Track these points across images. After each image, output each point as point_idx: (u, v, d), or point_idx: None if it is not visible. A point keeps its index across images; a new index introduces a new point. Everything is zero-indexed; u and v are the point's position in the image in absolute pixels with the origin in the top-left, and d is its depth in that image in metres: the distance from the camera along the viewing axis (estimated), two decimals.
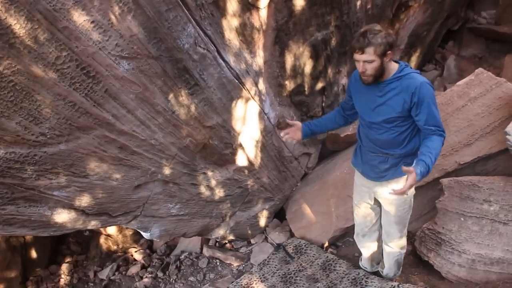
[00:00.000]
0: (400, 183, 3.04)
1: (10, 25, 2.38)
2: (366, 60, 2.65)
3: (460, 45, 7.41)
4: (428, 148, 2.69)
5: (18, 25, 2.41)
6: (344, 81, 5.10)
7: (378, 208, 3.47)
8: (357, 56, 2.68)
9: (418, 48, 6.43)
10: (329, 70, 4.78)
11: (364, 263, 4.00)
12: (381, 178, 3.14)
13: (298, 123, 3.39)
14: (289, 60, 4.25)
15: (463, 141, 4.29)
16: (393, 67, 2.81)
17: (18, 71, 2.54)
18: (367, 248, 3.79)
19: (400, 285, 3.68)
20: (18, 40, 2.45)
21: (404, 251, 3.60)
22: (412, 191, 3.19)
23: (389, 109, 2.82)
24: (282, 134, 3.42)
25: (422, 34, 6.17)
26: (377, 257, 3.88)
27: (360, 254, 4.02)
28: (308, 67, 4.48)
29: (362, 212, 3.52)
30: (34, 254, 6.25)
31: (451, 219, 3.94)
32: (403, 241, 3.51)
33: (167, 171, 3.76)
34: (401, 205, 3.23)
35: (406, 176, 2.67)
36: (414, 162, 2.72)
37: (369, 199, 3.39)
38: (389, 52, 2.66)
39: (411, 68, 2.84)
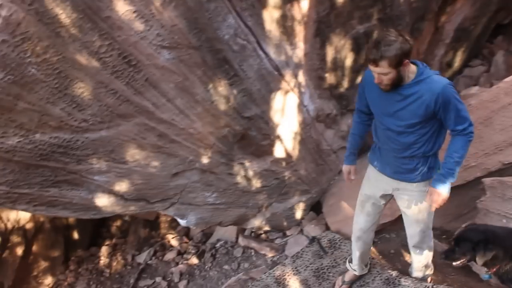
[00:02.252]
0: (427, 187, 2.99)
1: (57, 14, 2.46)
2: (380, 73, 2.54)
3: (510, 40, 7.14)
4: (449, 153, 2.76)
5: (64, 15, 2.48)
6: None
7: (382, 208, 3.39)
8: (371, 67, 2.57)
9: (464, 43, 6.24)
10: None
11: (354, 266, 3.81)
12: (404, 178, 3.03)
13: (353, 167, 3.33)
14: (329, 53, 4.21)
15: (508, 140, 4.15)
16: (412, 69, 2.66)
17: (64, 59, 2.63)
18: (357, 252, 3.66)
19: (434, 286, 3.60)
20: (64, 29, 2.52)
21: (431, 252, 3.50)
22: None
23: (411, 113, 2.69)
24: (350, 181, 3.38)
25: (469, 28, 5.98)
26: (366, 260, 3.80)
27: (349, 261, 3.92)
28: (349, 60, 4.43)
29: (367, 209, 3.36)
30: (76, 235, 6.47)
31: (492, 220, 3.83)
32: (428, 242, 3.39)
33: (204, 160, 3.80)
34: (418, 204, 3.11)
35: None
36: (432, 179, 2.87)
37: (381, 196, 3.26)
38: (405, 61, 2.53)
39: (430, 69, 2.71)
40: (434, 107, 2.63)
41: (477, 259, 2.88)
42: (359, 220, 3.48)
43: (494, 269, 2.94)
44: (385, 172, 3.11)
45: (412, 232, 3.34)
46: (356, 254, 3.68)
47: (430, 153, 2.87)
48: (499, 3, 6.17)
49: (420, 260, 3.53)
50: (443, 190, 2.82)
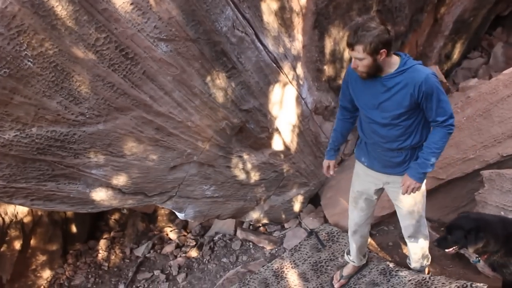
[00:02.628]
0: None
1: (53, 7, 2.43)
2: (356, 57, 2.55)
3: (509, 32, 7.12)
4: (427, 144, 2.80)
5: (60, 7, 2.45)
6: None
7: (375, 202, 3.40)
8: (348, 51, 2.59)
9: (464, 35, 6.22)
10: None
11: (352, 257, 3.83)
12: (393, 171, 3.04)
13: (333, 162, 3.35)
14: (328, 45, 4.19)
15: (507, 132, 4.15)
16: (394, 60, 2.66)
17: (60, 52, 2.59)
18: (353, 245, 3.68)
19: (431, 277, 3.61)
20: (59, 22, 2.49)
21: (427, 241, 3.51)
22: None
23: (395, 104, 2.70)
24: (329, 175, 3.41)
25: (468, 20, 5.96)
26: (364, 250, 3.82)
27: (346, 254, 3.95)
28: (347, 52, 4.40)
29: (360, 205, 3.39)
30: (74, 229, 6.46)
31: (490, 213, 3.83)
32: (423, 232, 3.41)
33: (202, 153, 3.79)
34: (413, 195, 3.09)
35: None
36: (408, 168, 2.93)
37: (373, 192, 3.28)
38: (382, 50, 2.51)
39: (413, 59, 2.70)
40: (417, 96, 2.63)
41: (468, 247, 2.93)
42: (353, 216, 3.52)
43: (485, 256, 2.99)
44: (374, 167, 3.14)
45: (406, 223, 3.36)
46: (353, 246, 3.72)
47: (418, 145, 2.88)
48: None
49: (417, 250, 3.55)
50: (417, 179, 2.87)
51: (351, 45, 2.53)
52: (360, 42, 2.48)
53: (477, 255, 3.04)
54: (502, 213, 3.76)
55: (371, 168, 3.17)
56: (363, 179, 3.29)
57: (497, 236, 2.87)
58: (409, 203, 3.17)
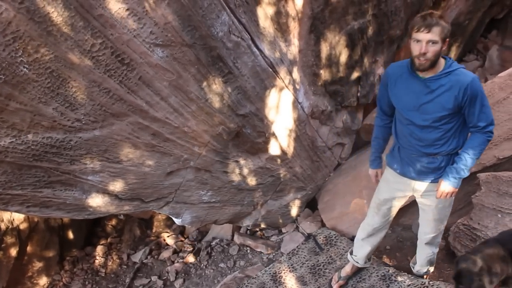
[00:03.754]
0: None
1: (48, 13, 2.42)
2: (431, 40, 2.49)
3: (504, 35, 7.15)
4: (465, 149, 2.80)
5: (56, 13, 2.44)
6: (380, 70, 5.00)
7: (398, 208, 3.38)
8: (421, 35, 2.50)
9: (459, 38, 6.25)
10: (365, 60, 4.70)
11: (357, 258, 3.76)
12: (426, 178, 3.01)
13: (380, 170, 3.37)
14: (324, 49, 4.20)
15: (503, 135, 4.16)
16: (441, 62, 2.65)
17: (55, 58, 2.59)
18: (368, 247, 3.63)
19: (430, 282, 3.61)
20: (55, 28, 2.48)
21: (437, 249, 3.52)
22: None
23: (439, 106, 2.68)
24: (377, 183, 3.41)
25: (464, 23, 5.99)
26: (371, 253, 3.79)
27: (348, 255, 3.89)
28: (343, 56, 4.42)
29: (383, 212, 3.35)
30: (71, 235, 6.43)
31: (487, 215, 3.83)
32: (438, 239, 3.41)
33: (199, 158, 3.78)
34: (442, 202, 3.09)
35: None
36: (444, 172, 2.89)
37: (401, 197, 3.26)
38: (447, 39, 2.54)
39: (457, 62, 2.71)
40: (461, 99, 2.62)
41: (486, 285, 2.76)
42: (373, 221, 3.46)
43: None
44: (406, 174, 3.10)
45: (428, 230, 3.33)
46: (366, 249, 3.64)
47: (454, 151, 2.87)
48: None
49: (428, 256, 3.54)
50: (454, 184, 2.85)
51: (428, 26, 2.47)
52: (438, 24, 2.46)
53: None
54: (499, 215, 3.76)
55: (403, 175, 3.12)
56: (392, 187, 3.25)
57: (507, 260, 2.80)
58: (439, 211, 3.16)
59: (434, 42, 2.50)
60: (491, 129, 2.73)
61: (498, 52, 6.76)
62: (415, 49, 2.57)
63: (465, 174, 2.83)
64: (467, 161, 2.77)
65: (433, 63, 2.59)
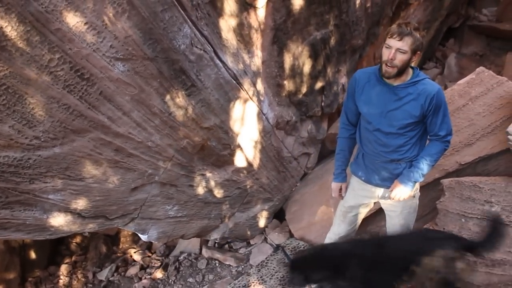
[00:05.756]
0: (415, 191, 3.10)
1: (1, 27, 2.34)
2: (400, 48, 2.55)
3: (461, 43, 7.37)
4: (423, 155, 2.89)
5: (10, 27, 2.36)
6: (343, 80, 5.05)
7: (364, 215, 3.43)
8: (392, 41, 2.56)
9: None
10: (328, 70, 4.74)
11: None
12: (391, 184, 3.06)
13: (345, 184, 3.34)
14: (287, 60, 4.21)
15: (464, 141, 4.24)
16: (409, 71, 2.73)
17: (10, 74, 2.50)
18: None
19: None
20: (9, 43, 2.41)
21: None
22: (417, 192, 3.18)
23: (406, 114, 2.74)
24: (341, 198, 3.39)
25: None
26: None
27: None
28: (307, 67, 4.44)
29: (349, 219, 3.38)
30: (33, 255, 6.23)
31: (452, 220, 3.89)
32: None
33: (164, 173, 3.71)
34: (406, 208, 3.17)
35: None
36: (401, 175, 2.97)
37: (366, 205, 3.31)
38: (418, 52, 2.61)
39: (423, 73, 2.80)
40: (427, 108, 2.70)
41: None
42: (339, 229, 3.47)
43: None
44: (371, 181, 3.13)
45: None
46: None
47: (416, 157, 2.93)
48: (449, 7, 6.36)
49: None
50: (408, 187, 2.93)
51: (401, 35, 2.52)
52: (411, 35, 2.52)
53: None
54: (463, 220, 3.82)
55: (368, 182, 3.16)
56: (358, 194, 3.27)
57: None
58: (404, 215, 3.22)
59: (403, 52, 2.56)
60: (449, 139, 2.84)
61: (456, 60, 6.95)
62: (385, 54, 2.62)
63: (420, 179, 2.93)
64: (423, 166, 2.87)
65: (400, 72, 2.65)
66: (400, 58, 2.58)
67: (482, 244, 3.02)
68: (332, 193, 3.38)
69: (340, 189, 3.34)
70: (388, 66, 2.62)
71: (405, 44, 2.54)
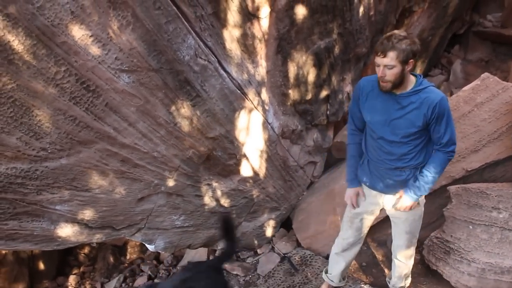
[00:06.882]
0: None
1: (9, 41, 2.37)
2: (387, 65, 2.55)
3: (466, 49, 7.35)
4: (428, 167, 2.88)
5: (17, 41, 2.40)
6: (348, 88, 5.06)
7: (372, 221, 3.42)
8: (378, 59, 2.59)
9: (424, 53, 6.39)
10: (333, 78, 4.75)
11: (332, 277, 3.78)
12: (394, 191, 3.07)
13: (358, 189, 3.30)
14: (292, 69, 4.23)
15: (470, 148, 4.24)
16: (412, 79, 2.72)
17: (18, 87, 2.53)
18: (343, 263, 3.64)
19: None
20: (17, 56, 2.44)
21: (412, 262, 3.54)
22: (422, 200, 3.16)
23: (408, 123, 2.73)
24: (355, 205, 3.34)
25: (427, 39, 6.13)
26: (346, 271, 3.79)
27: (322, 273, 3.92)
28: (311, 76, 4.45)
29: (356, 225, 3.38)
30: (41, 266, 6.26)
31: (459, 227, 3.88)
32: (411, 252, 3.43)
33: (170, 183, 3.73)
34: (411, 215, 3.16)
35: None
36: (406, 187, 2.99)
37: (372, 211, 3.30)
38: (411, 60, 2.57)
39: (426, 80, 2.78)
40: (430, 117, 2.68)
41: None
42: (347, 235, 3.47)
43: None
44: (376, 187, 3.13)
45: (401, 242, 3.37)
46: (341, 265, 3.64)
47: (420, 165, 2.93)
48: (453, 14, 6.35)
49: (403, 270, 3.56)
50: (413, 199, 2.96)
51: (384, 52, 2.53)
52: (394, 48, 2.50)
53: None
54: (470, 227, 3.81)
55: (372, 188, 3.17)
56: (363, 200, 3.29)
57: None
58: (409, 223, 3.21)
59: (390, 67, 2.56)
60: (453, 148, 2.81)
61: (461, 66, 6.93)
62: (377, 71, 2.66)
63: (426, 191, 2.93)
64: (428, 179, 2.87)
65: (396, 85, 2.65)
66: (390, 73, 2.58)
67: (227, 248, 3.50)
68: (347, 200, 3.34)
69: (357, 194, 3.31)
70: (382, 82, 2.66)
71: (390, 60, 2.53)
